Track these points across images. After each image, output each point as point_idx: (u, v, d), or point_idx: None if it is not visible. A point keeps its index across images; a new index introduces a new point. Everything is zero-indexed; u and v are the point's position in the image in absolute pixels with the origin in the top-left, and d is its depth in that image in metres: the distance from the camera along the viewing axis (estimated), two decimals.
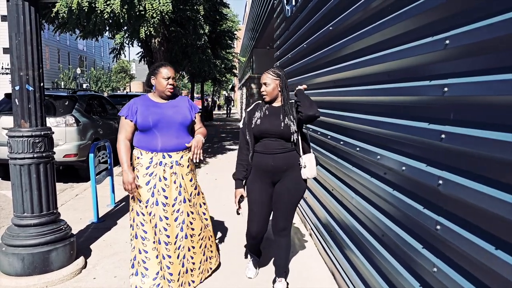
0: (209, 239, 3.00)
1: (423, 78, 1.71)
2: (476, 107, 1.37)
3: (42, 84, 2.90)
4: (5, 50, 30.86)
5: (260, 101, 2.74)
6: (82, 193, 5.50)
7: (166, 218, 2.67)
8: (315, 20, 3.66)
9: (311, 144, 2.83)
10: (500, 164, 1.23)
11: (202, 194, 3.00)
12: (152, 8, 6.08)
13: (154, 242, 2.67)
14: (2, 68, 32.02)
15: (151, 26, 6.33)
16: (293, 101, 2.67)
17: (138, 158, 2.71)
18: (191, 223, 2.79)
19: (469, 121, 1.40)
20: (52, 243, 2.91)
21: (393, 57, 2.00)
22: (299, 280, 2.98)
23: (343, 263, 2.78)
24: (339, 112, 3.01)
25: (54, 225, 2.98)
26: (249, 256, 3.13)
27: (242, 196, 2.70)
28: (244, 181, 2.71)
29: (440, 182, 1.55)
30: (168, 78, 2.74)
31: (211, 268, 3.01)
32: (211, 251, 3.03)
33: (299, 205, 3.29)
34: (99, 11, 5.99)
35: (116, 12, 5.93)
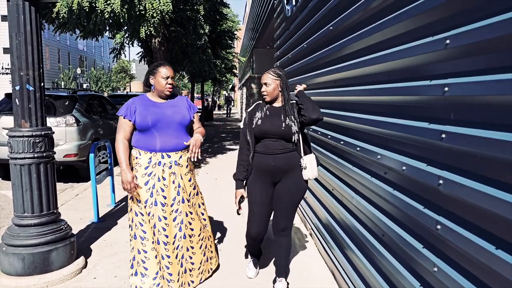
0: (208, 239, 2.99)
1: (423, 78, 1.71)
2: (477, 107, 1.37)
3: (42, 84, 2.90)
4: (5, 50, 30.87)
5: (261, 101, 2.73)
6: (82, 193, 5.50)
7: (165, 218, 2.67)
8: (315, 20, 3.65)
9: (312, 144, 2.83)
10: (501, 164, 1.24)
11: (201, 194, 3.00)
12: (152, 8, 6.08)
13: (153, 242, 2.67)
14: (2, 68, 32.02)
15: (151, 26, 6.33)
16: (294, 101, 2.67)
17: (136, 158, 2.70)
18: (190, 223, 2.79)
19: (470, 121, 1.40)
20: (53, 243, 2.91)
21: (393, 57, 2.00)
22: (299, 280, 2.98)
23: (343, 263, 2.78)
24: (339, 112, 3.01)
25: (55, 225, 2.98)
26: (249, 256, 3.13)
27: (242, 197, 2.69)
28: (244, 182, 2.71)
29: (441, 182, 1.55)
30: (167, 78, 2.73)
31: (211, 269, 3.01)
32: (211, 252, 3.03)
33: (299, 205, 3.28)
34: (99, 11, 5.99)
35: (116, 11, 5.93)
